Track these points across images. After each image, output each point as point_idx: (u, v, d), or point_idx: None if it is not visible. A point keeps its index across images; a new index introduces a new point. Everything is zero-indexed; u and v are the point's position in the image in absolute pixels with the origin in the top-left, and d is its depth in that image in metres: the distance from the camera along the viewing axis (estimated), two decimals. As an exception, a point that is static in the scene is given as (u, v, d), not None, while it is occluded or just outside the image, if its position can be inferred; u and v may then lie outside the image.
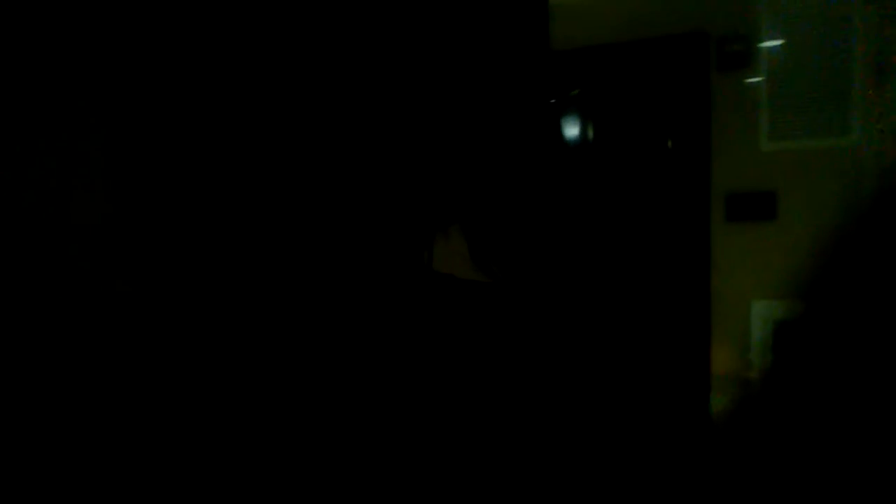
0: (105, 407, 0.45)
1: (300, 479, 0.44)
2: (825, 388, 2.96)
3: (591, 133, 3.46)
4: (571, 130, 3.45)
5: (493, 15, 0.46)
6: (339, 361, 0.46)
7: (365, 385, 0.46)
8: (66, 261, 0.75)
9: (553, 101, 2.98)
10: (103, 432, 0.44)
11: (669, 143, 3.40)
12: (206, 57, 0.38)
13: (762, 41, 3.30)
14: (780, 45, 3.30)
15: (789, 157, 3.32)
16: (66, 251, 0.75)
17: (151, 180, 0.39)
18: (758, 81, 3.33)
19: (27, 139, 0.77)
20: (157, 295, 0.45)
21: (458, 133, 0.44)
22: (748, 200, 3.35)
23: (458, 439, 0.48)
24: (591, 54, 3.45)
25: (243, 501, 0.44)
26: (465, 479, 0.48)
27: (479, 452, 0.48)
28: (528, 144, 0.51)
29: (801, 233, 3.32)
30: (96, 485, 0.44)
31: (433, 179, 0.45)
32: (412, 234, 0.48)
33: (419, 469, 0.45)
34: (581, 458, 0.52)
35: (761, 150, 3.34)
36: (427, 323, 0.52)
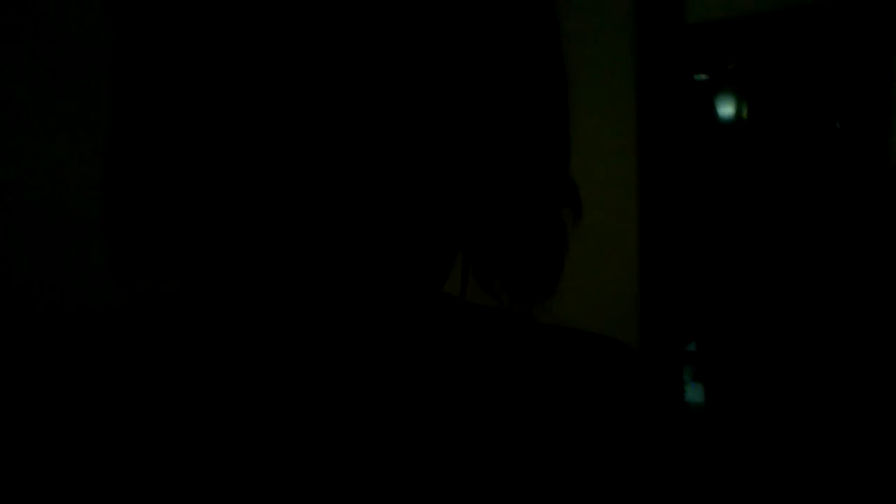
0: (104, 408, 0.47)
1: None
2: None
3: (746, 113, 3.18)
4: (727, 109, 3.21)
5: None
6: (337, 392, 0.46)
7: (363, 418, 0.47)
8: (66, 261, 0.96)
9: (704, 77, 2.84)
10: (103, 432, 0.46)
11: (838, 125, 3.01)
12: (206, 57, 0.37)
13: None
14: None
15: None
16: (65, 252, 0.96)
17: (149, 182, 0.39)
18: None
19: (21, 138, 0.93)
20: (151, 303, 0.46)
21: (468, 144, 0.41)
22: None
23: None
24: (751, 23, 3.11)
25: None
26: None
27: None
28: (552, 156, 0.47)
29: None
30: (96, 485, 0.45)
31: (449, 198, 0.41)
32: (425, 255, 0.43)
33: None
34: None
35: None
36: (436, 357, 0.51)
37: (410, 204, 0.40)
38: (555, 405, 0.51)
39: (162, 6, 0.39)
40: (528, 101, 0.45)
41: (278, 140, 0.37)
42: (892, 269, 2.92)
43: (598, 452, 0.50)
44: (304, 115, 0.37)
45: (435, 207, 0.41)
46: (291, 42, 0.36)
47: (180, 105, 0.39)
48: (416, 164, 0.39)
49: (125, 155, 0.42)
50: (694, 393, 3.26)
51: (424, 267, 0.43)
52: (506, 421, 0.49)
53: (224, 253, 0.40)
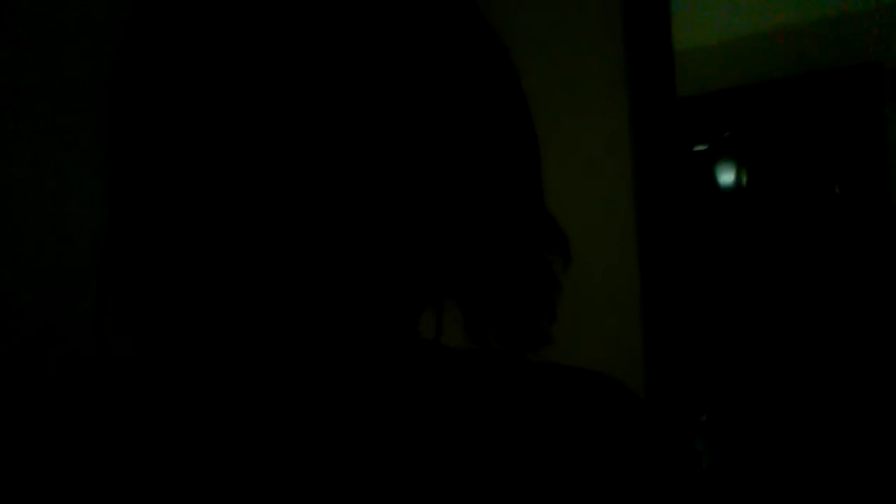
0: (102, 408, 0.48)
1: None
2: None
3: (745, 179, 3.21)
4: (726, 177, 3.24)
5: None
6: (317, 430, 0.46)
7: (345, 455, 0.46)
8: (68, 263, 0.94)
9: (704, 147, 2.87)
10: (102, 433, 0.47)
11: (837, 189, 3.04)
12: (205, 57, 0.37)
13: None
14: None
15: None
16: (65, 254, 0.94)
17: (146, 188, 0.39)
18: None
19: (19, 140, 0.91)
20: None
21: (460, 186, 0.42)
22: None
23: None
24: (747, 93, 3.17)
25: None
26: None
27: None
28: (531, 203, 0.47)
29: None
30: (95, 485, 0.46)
31: (430, 243, 0.42)
32: (405, 301, 0.44)
33: None
34: None
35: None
36: (416, 399, 0.50)
37: (379, 244, 0.40)
38: (538, 439, 0.49)
39: (165, 14, 0.40)
40: (492, 145, 0.45)
41: (258, 187, 0.38)
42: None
43: (586, 489, 0.48)
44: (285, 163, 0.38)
45: (406, 247, 0.42)
46: (279, 73, 0.37)
47: (175, 118, 0.39)
48: (387, 208, 0.40)
49: (126, 174, 0.42)
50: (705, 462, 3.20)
51: (397, 307, 0.44)
52: (487, 459, 0.47)
53: (210, 291, 0.40)
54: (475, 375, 0.52)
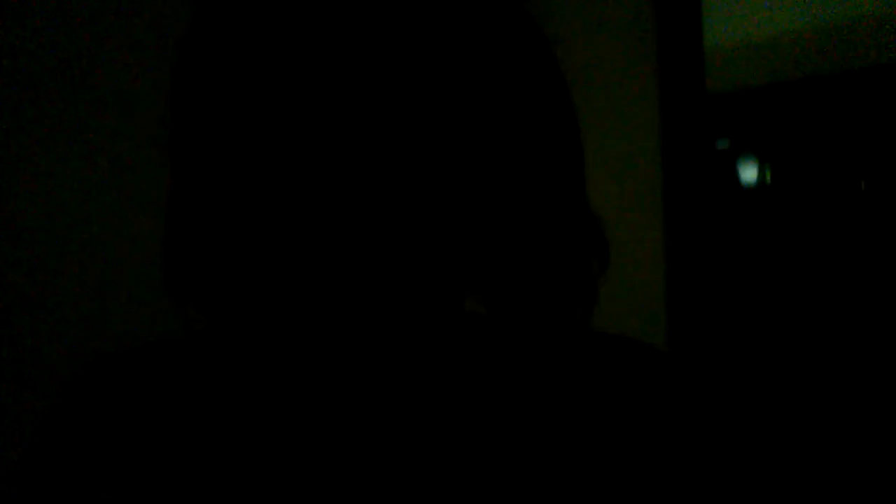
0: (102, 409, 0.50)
1: None
2: None
3: (769, 177, 3.20)
4: (749, 174, 3.23)
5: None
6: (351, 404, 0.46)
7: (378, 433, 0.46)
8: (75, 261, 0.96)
9: (726, 143, 2.87)
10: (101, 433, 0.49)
11: (863, 185, 3.03)
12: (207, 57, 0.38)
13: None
14: None
15: None
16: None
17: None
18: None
19: (34, 139, 0.94)
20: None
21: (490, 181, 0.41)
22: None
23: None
24: (774, 91, 3.16)
25: None
26: None
27: None
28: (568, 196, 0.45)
29: None
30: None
31: (463, 237, 0.41)
32: (433, 291, 0.43)
33: None
34: None
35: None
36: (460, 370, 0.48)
37: (419, 224, 0.40)
38: (572, 412, 0.47)
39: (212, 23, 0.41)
40: (533, 136, 0.44)
41: (294, 167, 0.38)
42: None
43: (614, 454, 0.46)
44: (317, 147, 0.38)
45: (438, 238, 0.41)
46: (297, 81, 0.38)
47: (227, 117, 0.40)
48: (422, 192, 0.40)
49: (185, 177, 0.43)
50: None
51: (433, 283, 0.43)
52: (519, 428, 0.46)
53: (250, 272, 0.41)
54: (506, 348, 0.50)
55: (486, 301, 0.47)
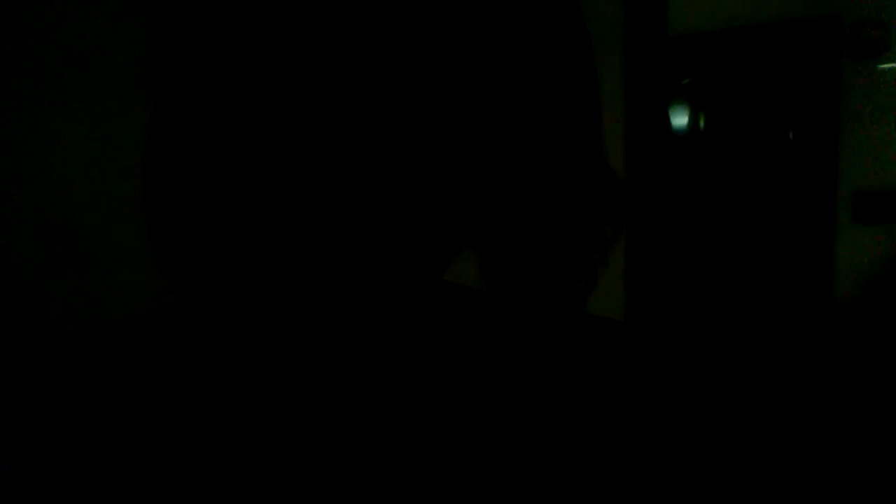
0: (118, 411, 0.48)
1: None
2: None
3: (703, 123, 3.30)
4: (681, 121, 3.33)
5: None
6: (337, 379, 0.44)
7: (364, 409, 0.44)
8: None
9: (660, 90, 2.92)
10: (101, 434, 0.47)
11: (791, 135, 3.16)
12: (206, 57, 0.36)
13: (902, 26, 2.89)
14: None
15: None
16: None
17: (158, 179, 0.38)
18: (894, 68, 2.94)
19: (31, 136, 0.91)
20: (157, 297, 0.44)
21: (477, 136, 0.38)
22: (880, 200, 3.05)
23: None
24: (707, 40, 3.24)
25: None
26: None
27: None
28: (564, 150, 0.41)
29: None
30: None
31: (447, 194, 0.39)
32: (429, 250, 0.40)
33: None
34: None
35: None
36: (440, 344, 0.45)
37: (404, 192, 0.38)
38: (562, 398, 0.44)
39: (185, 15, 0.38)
40: (546, 89, 0.41)
41: (279, 132, 0.37)
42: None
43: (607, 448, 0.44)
44: (305, 102, 0.36)
45: (431, 196, 0.39)
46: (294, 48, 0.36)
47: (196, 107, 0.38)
48: (411, 153, 0.38)
49: (163, 155, 0.40)
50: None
51: (422, 259, 0.41)
52: (509, 418, 0.44)
53: (230, 249, 0.38)
54: (493, 330, 0.47)
55: (486, 266, 0.44)
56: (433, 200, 0.39)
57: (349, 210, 0.37)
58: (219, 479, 0.44)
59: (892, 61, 2.92)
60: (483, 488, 0.42)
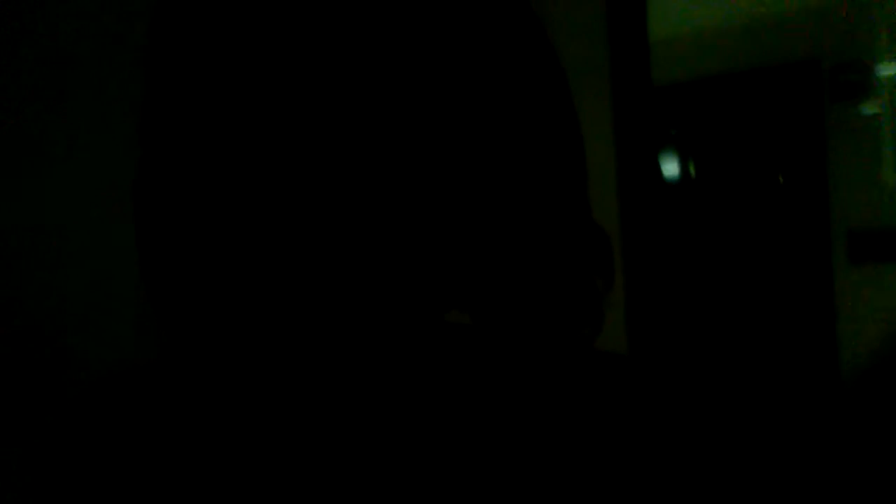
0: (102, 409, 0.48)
1: None
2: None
3: (693, 171, 3.34)
4: (672, 170, 3.36)
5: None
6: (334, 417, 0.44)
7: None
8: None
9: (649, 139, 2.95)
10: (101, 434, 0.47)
11: (781, 179, 3.19)
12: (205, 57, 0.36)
13: (881, 69, 2.94)
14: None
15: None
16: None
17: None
18: (878, 112, 2.98)
19: (31, 141, 0.91)
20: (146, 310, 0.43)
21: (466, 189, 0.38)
22: (873, 239, 3.06)
23: None
24: (692, 88, 3.30)
25: None
26: None
27: None
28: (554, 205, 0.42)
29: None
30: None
31: (432, 250, 0.38)
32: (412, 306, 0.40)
33: None
34: None
35: (886, 183, 3.02)
36: (441, 384, 0.45)
37: (405, 227, 0.38)
38: (560, 427, 0.44)
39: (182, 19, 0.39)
40: (528, 142, 0.41)
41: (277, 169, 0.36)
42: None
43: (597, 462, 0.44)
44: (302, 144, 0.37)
45: (425, 248, 0.39)
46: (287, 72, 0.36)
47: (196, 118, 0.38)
48: (407, 206, 0.37)
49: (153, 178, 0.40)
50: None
51: (418, 294, 0.41)
52: (504, 440, 0.44)
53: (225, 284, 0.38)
54: (489, 363, 0.47)
55: (476, 317, 0.44)
56: (420, 259, 0.39)
57: (338, 256, 0.37)
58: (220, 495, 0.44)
59: (874, 104, 2.97)
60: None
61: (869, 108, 2.96)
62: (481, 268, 0.41)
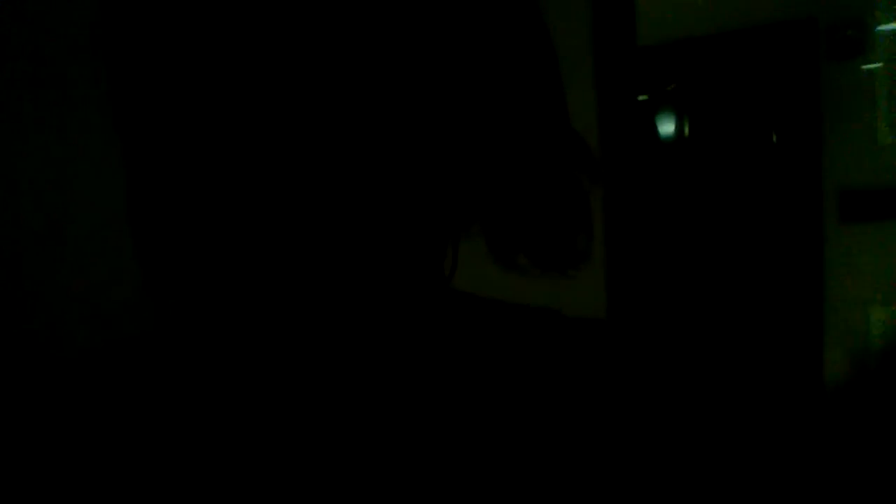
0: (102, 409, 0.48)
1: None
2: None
3: (688, 129, 3.33)
4: (667, 127, 3.35)
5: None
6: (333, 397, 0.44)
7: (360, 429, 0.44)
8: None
9: (645, 97, 2.94)
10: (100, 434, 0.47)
11: (774, 138, 3.18)
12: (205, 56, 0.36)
13: (879, 26, 2.91)
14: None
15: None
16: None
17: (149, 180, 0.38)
18: (874, 69, 2.96)
19: (28, 137, 0.90)
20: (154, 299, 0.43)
21: (479, 122, 0.42)
22: (865, 198, 3.07)
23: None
24: (688, 47, 3.27)
25: None
26: None
27: None
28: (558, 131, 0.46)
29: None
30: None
31: (453, 173, 0.42)
32: (429, 239, 0.43)
33: None
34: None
35: (879, 143, 3.01)
36: (442, 362, 0.47)
37: (399, 188, 0.39)
38: (556, 399, 0.46)
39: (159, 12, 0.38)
40: (510, 65, 0.44)
41: (272, 128, 0.37)
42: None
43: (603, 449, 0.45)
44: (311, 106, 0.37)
45: (425, 189, 0.41)
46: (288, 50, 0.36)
47: (181, 109, 0.38)
48: (404, 148, 0.39)
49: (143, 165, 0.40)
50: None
51: (418, 255, 0.43)
52: (506, 419, 0.45)
53: (223, 252, 0.38)
54: (492, 333, 0.49)
55: (487, 232, 0.47)
56: (431, 182, 0.41)
57: (344, 205, 0.38)
58: (218, 484, 0.44)
59: (872, 61, 2.95)
60: (477, 488, 0.43)
61: (868, 65, 2.94)
62: (483, 177, 0.44)
